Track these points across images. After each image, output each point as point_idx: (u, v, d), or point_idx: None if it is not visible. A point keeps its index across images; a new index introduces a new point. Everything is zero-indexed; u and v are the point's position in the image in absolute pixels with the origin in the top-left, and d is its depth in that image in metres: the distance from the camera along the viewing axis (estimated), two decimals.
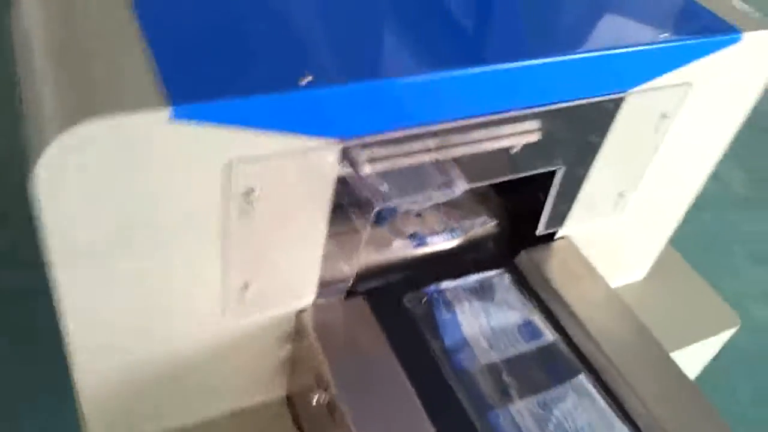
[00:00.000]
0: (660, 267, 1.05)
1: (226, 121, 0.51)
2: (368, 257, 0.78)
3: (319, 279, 0.69)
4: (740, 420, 1.59)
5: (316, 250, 0.66)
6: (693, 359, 1.04)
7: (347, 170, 0.67)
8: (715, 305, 1.06)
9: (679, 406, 0.69)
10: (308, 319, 0.70)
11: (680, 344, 0.97)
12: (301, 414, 0.77)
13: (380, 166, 0.70)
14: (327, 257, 0.71)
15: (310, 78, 0.53)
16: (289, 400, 0.80)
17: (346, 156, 0.65)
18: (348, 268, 0.72)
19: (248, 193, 0.56)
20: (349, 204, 0.70)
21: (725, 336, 1.03)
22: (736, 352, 1.08)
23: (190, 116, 0.48)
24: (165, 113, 0.47)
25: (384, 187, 0.71)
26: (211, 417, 0.76)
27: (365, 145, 0.62)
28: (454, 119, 0.63)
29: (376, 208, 0.66)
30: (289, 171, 0.57)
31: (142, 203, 0.53)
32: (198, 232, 0.58)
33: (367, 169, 0.70)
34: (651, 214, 0.93)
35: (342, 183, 0.68)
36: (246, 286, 0.64)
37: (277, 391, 0.79)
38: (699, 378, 1.12)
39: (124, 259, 0.55)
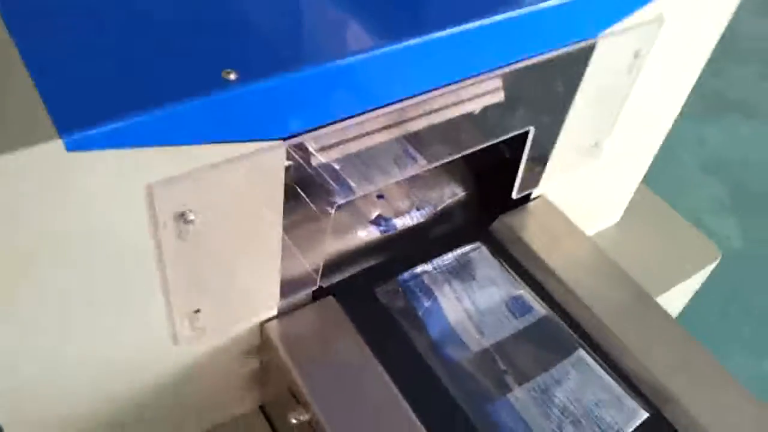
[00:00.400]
0: (632, 206, 1.00)
1: (134, 143, 0.41)
2: (332, 250, 0.70)
3: (279, 285, 0.61)
4: (712, 330, 1.61)
5: (272, 258, 0.57)
6: (678, 298, 1.01)
7: (297, 162, 0.59)
8: (694, 239, 1.02)
9: (685, 369, 0.64)
10: (273, 331, 0.62)
11: (667, 286, 0.93)
12: (278, 424, 0.70)
13: (335, 153, 0.62)
14: (287, 259, 0.63)
15: (231, 76, 0.43)
16: (264, 409, 0.73)
17: (294, 150, 0.57)
18: (311, 267, 0.64)
19: (179, 215, 0.47)
20: (306, 196, 0.62)
21: (708, 270, 1.00)
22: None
23: (87, 145, 0.39)
24: (59, 144, 0.37)
25: (343, 174, 0.63)
26: None
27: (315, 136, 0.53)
28: (409, 96, 0.55)
29: (338, 201, 0.58)
30: (226, 184, 0.48)
31: (58, 239, 0.43)
32: (132, 265, 0.49)
33: (320, 159, 0.61)
34: (625, 156, 0.87)
35: (295, 176, 0.60)
36: (197, 311, 0.56)
37: (251, 403, 0.72)
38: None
39: (49, 303, 0.46)
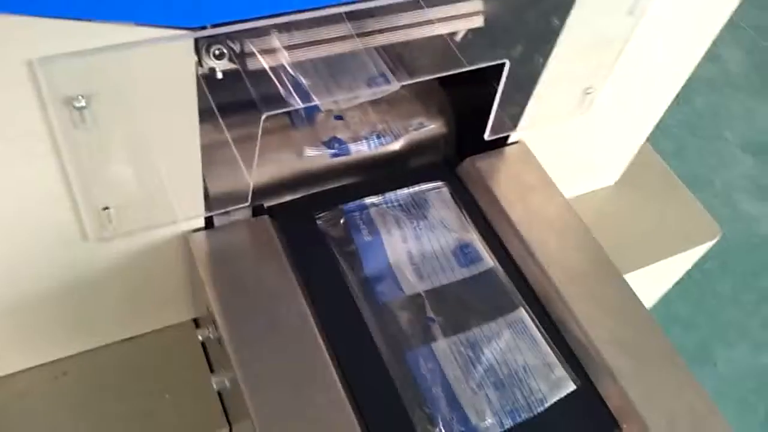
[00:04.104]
0: (635, 170, 0.93)
1: (13, 9, 0.37)
2: (277, 167, 0.66)
3: (202, 194, 0.57)
4: (718, 318, 1.54)
5: (190, 162, 0.53)
6: (667, 271, 0.94)
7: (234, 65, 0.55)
8: (694, 214, 0.94)
9: (632, 346, 0.59)
10: (195, 243, 0.59)
11: (652, 258, 0.87)
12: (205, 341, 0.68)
13: (284, 58, 0.57)
14: (215, 168, 0.59)
15: None
16: (197, 323, 0.71)
17: (228, 47, 0.52)
18: (244, 180, 0.60)
19: (71, 100, 0.43)
20: (248, 103, 0.57)
21: (703, 249, 0.92)
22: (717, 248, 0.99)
23: None
24: None
25: (292, 82, 0.58)
26: (112, 341, 0.68)
27: (247, 33, 0.48)
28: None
29: (268, 112, 0.53)
30: (123, 72, 0.44)
31: None
32: (26, 152, 0.45)
33: (258, 63, 0.56)
34: (624, 112, 0.79)
35: (235, 79, 0.56)
36: (105, 208, 0.52)
37: (184, 315, 0.70)
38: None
39: None
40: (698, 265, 1.02)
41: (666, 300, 1.10)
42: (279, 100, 0.56)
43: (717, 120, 1.97)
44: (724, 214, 0.90)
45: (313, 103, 0.58)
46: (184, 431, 0.64)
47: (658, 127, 0.87)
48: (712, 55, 0.76)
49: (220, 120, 0.59)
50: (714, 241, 0.92)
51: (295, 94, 0.57)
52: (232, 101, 0.61)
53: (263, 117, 0.53)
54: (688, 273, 1.04)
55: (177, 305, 0.68)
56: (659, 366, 0.59)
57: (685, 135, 1.90)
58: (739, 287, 1.60)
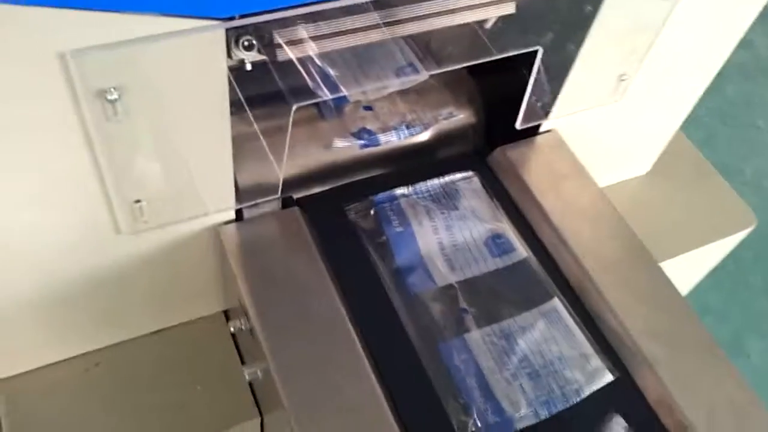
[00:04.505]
0: (668, 159, 0.91)
1: (46, 2, 0.37)
2: (306, 159, 0.65)
3: (233, 186, 0.57)
4: (750, 309, 1.51)
5: (220, 155, 0.53)
6: (702, 260, 0.93)
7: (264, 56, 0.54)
8: (730, 201, 0.92)
9: (669, 335, 0.58)
10: (226, 235, 0.59)
11: (688, 246, 0.85)
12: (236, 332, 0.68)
13: (311, 49, 0.57)
14: (245, 160, 0.59)
15: None
16: (227, 314, 0.71)
17: (257, 38, 0.52)
18: (274, 172, 0.59)
19: (104, 92, 0.43)
20: (277, 95, 0.57)
21: (739, 237, 0.90)
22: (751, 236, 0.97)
23: None
24: None
25: (329, 72, 0.58)
26: (143, 333, 0.68)
27: (275, 24, 0.48)
28: None
29: (298, 104, 0.53)
30: (154, 63, 0.44)
31: None
32: (59, 144, 0.46)
33: (286, 54, 0.56)
34: (657, 100, 0.78)
35: (263, 71, 0.56)
36: (137, 201, 0.53)
37: (214, 306, 0.70)
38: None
39: None
40: (731, 255, 1.00)
41: (698, 290, 1.07)
42: (308, 92, 0.56)
43: (749, 108, 1.93)
44: (755, 203, 0.88)
45: (341, 94, 0.57)
46: (216, 422, 0.64)
47: (688, 115, 0.85)
48: (743, 42, 0.74)
49: (249, 112, 0.59)
50: (749, 230, 0.90)
51: (323, 86, 0.57)
52: (260, 93, 0.60)
53: (293, 109, 0.53)
54: (721, 263, 1.02)
55: (207, 297, 0.68)
56: (697, 355, 0.58)
57: (716, 124, 1.86)
58: None
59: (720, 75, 0.79)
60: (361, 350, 0.54)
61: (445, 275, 0.60)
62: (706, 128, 1.81)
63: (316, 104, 0.68)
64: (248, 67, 0.56)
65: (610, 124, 0.77)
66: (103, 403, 0.64)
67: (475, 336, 0.57)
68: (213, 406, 0.65)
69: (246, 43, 0.51)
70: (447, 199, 0.66)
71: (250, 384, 0.65)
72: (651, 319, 0.59)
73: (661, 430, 0.53)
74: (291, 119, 0.54)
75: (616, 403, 0.54)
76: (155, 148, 0.50)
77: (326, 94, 0.55)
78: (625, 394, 0.55)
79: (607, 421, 0.53)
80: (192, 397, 0.65)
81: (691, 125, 0.93)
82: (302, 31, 0.55)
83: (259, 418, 0.64)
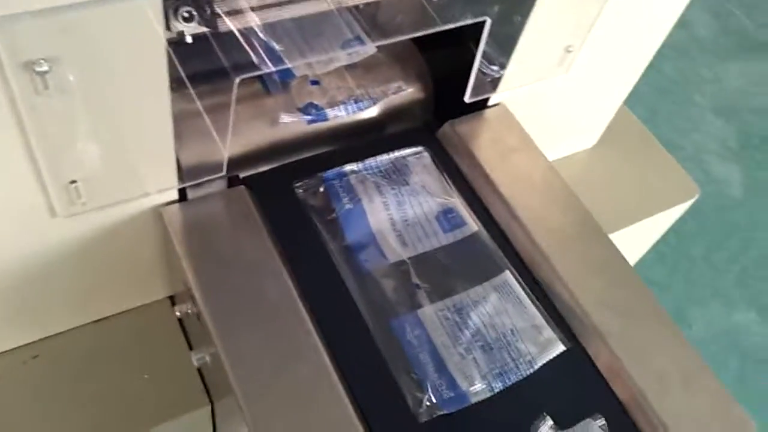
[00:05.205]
0: (613, 132, 0.92)
1: None
2: (252, 136, 0.63)
3: (176, 166, 0.54)
4: (691, 276, 1.56)
5: (160, 132, 0.51)
6: (647, 232, 0.94)
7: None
8: (673, 173, 0.94)
9: (620, 306, 0.59)
10: (169, 216, 0.57)
11: (634, 218, 0.86)
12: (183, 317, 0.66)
13: (253, 20, 0.55)
14: (188, 138, 0.57)
15: None
16: (173, 300, 0.68)
17: (197, 8, 0.50)
18: (218, 151, 0.57)
19: (32, 64, 0.40)
20: (221, 71, 0.55)
21: (683, 207, 0.93)
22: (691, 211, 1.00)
23: None
24: None
25: (264, 48, 0.56)
26: (86, 322, 0.65)
27: None
28: None
29: (240, 76, 0.51)
30: (85, 33, 0.41)
31: None
32: None
33: (228, 25, 0.54)
34: (602, 74, 0.78)
35: (205, 45, 0.53)
36: (72, 182, 0.50)
37: (160, 292, 0.68)
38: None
39: None
40: (672, 228, 1.03)
41: (642, 264, 1.10)
42: (251, 65, 0.54)
43: (687, 84, 1.98)
44: (696, 178, 0.91)
45: (285, 66, 0.55)
46: (165, 411, 0.62)
47: (630, 93, 0.86)
48: (680, 20, 0.76)
49: (191, 88, 0.57)
50: (693, 200, 0.92)
51: (267, 58, 0.55)
52: (203, 68, 0.58)
53: (236, 82, 0.51)
54: (663, 236, 1.05)
55: (152, 283, 0.65)
56: (647, 325, 0.59)
57: (657, 100, 1.91)
58: (712, 249, 1.63)
59: (659, 53, 0.80)
60: (312, 330, 0.53)
61: (396, 251, 0.60)
62: (648, 105, 1.85)
63: (262, 80, 0.65)
64: (189, 39, 0.54)
65: (557, 97, 0.77)
66: (43, 396, 0.62)
67: (428, 311, 0.56)
68: (161, 395, 0.63)
69: (185, 14, 0.49)
70: (397, 174, 0.65)
71: (200, 371, 0.63)
72: (602, 290, 0.60)
73: (612, 399, 0.54)
74: (234, 94, 0.52)
75: (568, 372, 0.54)
76: (91, 125, 0.47)
77: (270, 67, 0.53)
78: (577, 363, 0.55)
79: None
80: (139, 387, 0.63)
81: (633, 102, 0.95)
82: (243, 2, 0.53)
83: (210, 406, 0.62)
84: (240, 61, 0.54)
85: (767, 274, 1.60)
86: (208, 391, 0.63)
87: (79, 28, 0.40)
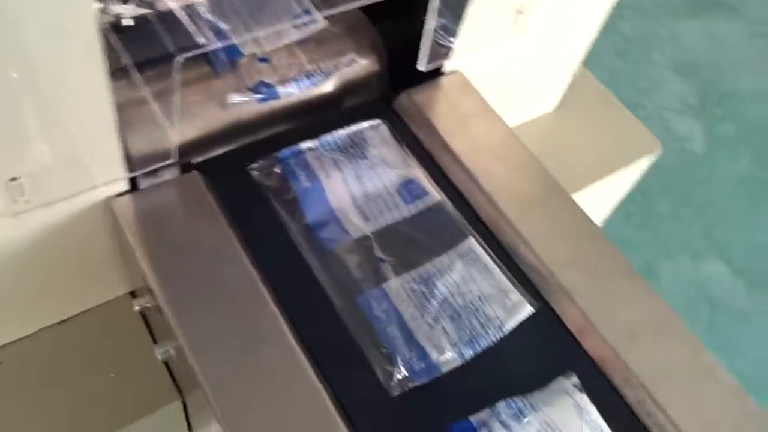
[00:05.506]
0: (573, 95, 0.92)
1: None
2: (203, 120, 0.61)
3: (123, 155, 0.53)
4: (659, 232, 1.58)
5: (103, 120, 0.49)
6: (612, 188, 0.95)
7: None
8: (634, 130, 0.94)
9: (586, 264, 0.58)
10: (120, 208, 0.55)
11: (598, 175, 0.87)
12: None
13: None
14: (135, 126, 0.55)
15: None
16: (134, 295, 0.67)
17: None
18: (168, 137, 0.55)
19: None
20: (164, 54, 0.53)
21: (646, 162, 0.93)
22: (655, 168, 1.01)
23: None
24: None
25: (208, 23, 0.54)
26: (46, 325, 0.64)
27: None
28: None
29: (183, 55, 0.49)
30: (19, 15, 0.39)
31: None
32: None
33: (167, 4, 0.52)
34: (556, 34, 0.77)
35: (147, 28, 0.52)
36: (13, 179, 0.48)
37: (118, 288, 0.66)
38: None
39: None
40: (638, 187, 1.03)
41: (610, 224, 1.11)
42: (194, 44, 0.52)
43: (645, 44, 1.99)
44: (658, 135, 0.92)
45: (230, 42, 0.54)
46: (135, 409, 0.61)
47: (588, 55, 0.86)
48: None
49: (135, 73, 0.55)
50: (655, 156, 0.92)
51: (211, 35, 0.53)
52: (145, 52, 0.56)
53: (179, 60, 0.49)
54: (629, 196, 1.05)
55: (109, 279, 0.64)
56: (614, 281, 0.59)
57: (616, 61, 1.91)
58: (678, 204, 1.65)
59: (616, 14, 0.80)
60: (277, 313, 0.52)
61: (359, 226, 0.58)
62: (607, 66, 1.86)
63: (209, 61, 0.63)
64: (128, 22, 0.52)
65: (513, 61, 0.76)
66: (10, 403, 0.60)
67: (394, 284, 0.55)
68: (130, 393, 0.61)
69: None
70: (355, 148, 0.64)
71: (167, 365, 0.62)
72: (567, 250, 0.59)
73: (583, 355, 0.53)
74: (179, 74, 0.50)
75: (538, 334, 0.54)
76: (28, 116, 0.45)
77: (214, 44, 0.51)
78: (546, 324, 0.55)
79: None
80: (107, 387, 0.62)
81: (592, 64, 0.95)
82: None
83: (180, 400, 0.61)
84: (184, 41, 0.53)
85: (732, 225, 1.62)
86: (178, 385, 0.61)
87: (7, 13, 0.38)
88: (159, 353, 0.55)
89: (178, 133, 0.58)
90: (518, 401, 0.49)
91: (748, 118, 1.85)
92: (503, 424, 0.48)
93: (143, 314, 0.64)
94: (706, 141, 1.78)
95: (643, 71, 1.92)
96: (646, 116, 1.78)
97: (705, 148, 1.76)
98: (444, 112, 0.68)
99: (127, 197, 0.56)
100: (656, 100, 1.85)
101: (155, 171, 0.57)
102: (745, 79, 1.93)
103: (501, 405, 0.49)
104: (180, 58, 0.50)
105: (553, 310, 0.56)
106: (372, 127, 0.66)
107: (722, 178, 1.71)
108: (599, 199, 0.93)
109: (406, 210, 0.60)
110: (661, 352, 0.54)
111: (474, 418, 0.49)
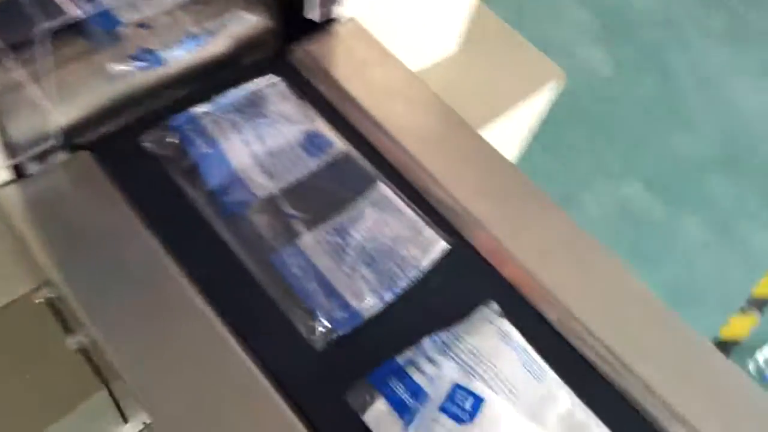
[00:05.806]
0: (475, 34, 0.92)
1: None
2: (89, 97, 0.58)
3: (1, 142, 0.49)
4: (576, 161, 1.62)
5: None
6: (520, 121, 0.96)
7: None
8: (538, 63, 0.95)
9: (497, 194, 0.59)
10: (7, 199, 0.52)
11: (505, 107, 0.87)
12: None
13: None
14: (15, 111, 0.52)
15: None
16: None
17: None
18: (48, 117, 0.52)
19: None
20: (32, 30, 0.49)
21: (551, 90, 0.94)
22: (566, 99, 1.03)
23: None
24: None
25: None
26: None
27: None
28: None
29: (50, 23, 0.46)
30: None
31: None
32: None
33: None
34: None
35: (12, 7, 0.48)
36: None
37: (22, 284, 0.62)
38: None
39: None
40: (551, 118, 1.04)
41: (527, 158, 1.12)
42: (59, 12, 0.49)
43: None
44: (567, 66, 0.93)
45: (102, 7, 0.51)
46: (60, 405, 0.59)
47: None
48: None
49: (8, 57, 0.51)
50: (559, 83, 0.94)
51: (83, 2, 0.50)
52: (16, 34, 0.53)
53: (45, 28, 0.46)
54: (543, 128, 1.07)
55: (13, 275, 0.60)
56: (526, 209, 0.59)
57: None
58: (591, 131, 1.68)
59: None
60: (189, 287, 0.50)
61: (265, 186, 0.57)
62: (511, 5, 1.87)
63: (86, 36, 0.60)
64: None
65: (406, 4, 0.75)
66: None
67: (307, 239, 0.54)
68: (52, 390, 0.59)
69: None
70: (253, 108, 0.62)
71: (87, 355, 0.59)
72: (476, 182, 0.60)
73: (501, 282, 0.54)
74: (49, 48, 0.47)
75: (456, 268, 0.54)
76: None
77: (80, 7, 0.48)
78: (462, 257, 0.55)
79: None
80: (25, 387, 0.59)
81: (496, 3, 0.95)
82: None
83: (106, 388, 0.59)
84: (49, 11, 0.50)
85: (646, 145, 1.68)
86: (101, 374, 0.59)
87: None
88: (72, 344, 0.52)
89: (61, 113, 0.54)
90: (442, 335, 0.50)
91: (648, 40, 1.90)
92: (430, 359, 0.48)
93: (52, 306, 0.61)
94: (612, 65, 1.82)
95: (547, 7, 1.94)
96: (552, 49, 1.80)
97: (612, 70, 1.81)
98: (342, 61, 0.67)
99: (13, 186, 0.53)
100: (564, 33, 1.88)
101: (42, 156, 0.54)
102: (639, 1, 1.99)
103: (426, 341, 0.49)
104: (45, 27, 0.47)
105: (468, 243, 0.56)
106: (269, 84, 0.64)
107: (631, 98, 1.76)
108: (509, 133, 0.94)
109: (313, 163, 0.59)
110: (573, 267, 0.55)
111: (401, 358, 0.49)
